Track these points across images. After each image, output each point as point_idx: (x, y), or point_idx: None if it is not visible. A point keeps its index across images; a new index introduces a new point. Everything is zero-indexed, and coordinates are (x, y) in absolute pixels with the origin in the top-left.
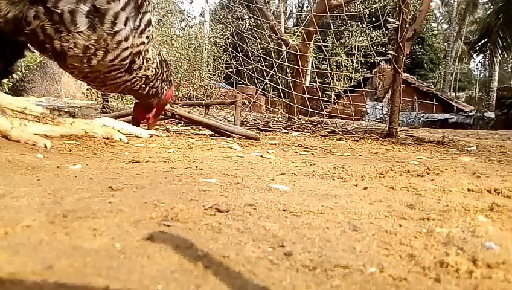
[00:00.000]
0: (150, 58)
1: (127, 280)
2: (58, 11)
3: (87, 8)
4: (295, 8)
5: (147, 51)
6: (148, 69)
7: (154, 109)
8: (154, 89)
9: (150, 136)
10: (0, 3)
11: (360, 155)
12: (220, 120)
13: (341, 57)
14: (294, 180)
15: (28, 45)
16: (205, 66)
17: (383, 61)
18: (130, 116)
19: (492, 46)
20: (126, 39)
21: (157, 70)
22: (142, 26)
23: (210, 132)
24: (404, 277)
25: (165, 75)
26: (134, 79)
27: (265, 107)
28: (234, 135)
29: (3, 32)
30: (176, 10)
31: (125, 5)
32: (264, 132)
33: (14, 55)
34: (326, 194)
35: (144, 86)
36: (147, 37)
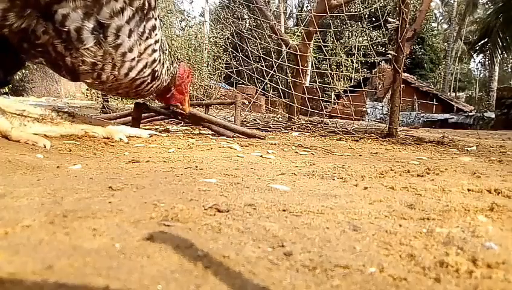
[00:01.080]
0: (166, 49)
1: (127, 280)
2: (66, 29)
3: (91, 24)
4: (295, 8)
5: (162, 40)
6: (166, 60)
7: (178, 90)
8: (171, 75)
9: (150, 136)
10: (9, 14)
11: (360, 155)
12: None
13: (341, 57)
14: (294, 180)
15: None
16: (205, 66)
17: (383, 61)
18: (130, 117)
19: (492, 46)
20: (131, 50)
21: (166, 61)
22: (147, 32)
23: (210, 132)
24: (404, 277)
25: (170, 59)
26: (162, 80)
27: (265, 107)
28: (235, 135)
29: (8, 42)
30: (176, 10)
31: (129, 18)
32: (264, 132)
33: (15, 65)
34: (326, 194)
35: (166, 78)
36: (156, 42)
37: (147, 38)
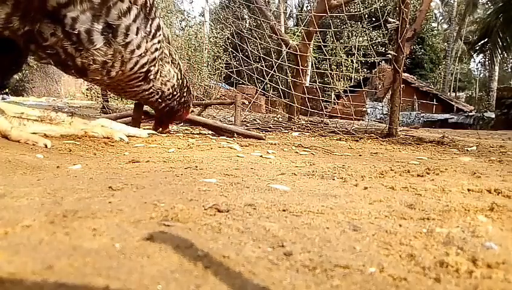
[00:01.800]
0: (165, 75)
1: (127, 280)
2: (76, 32)
3: (101, 26)
4: (295, 8)
5: (163, 66)
6: (165, 84)
7: (166, 122)
8: (169, 108)
9: (150, 136)
10: (12, 18)
11: (360, 155)
12: (220, 120)
13: (341, 57)
14: (294, 180)
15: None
16: (205, 66)
17: (383, 61)
18: (131, 117)
19: (492, 46)
20: (139, 47)
21: (175, 92)
22: (153, 32)
23: (210, 132)
24: (404, 277)
25: (183, 99)
26: (151, 90)
27: (265, 107)
28: (235, 135)
29: (6, 44)
30: (176, 10)
31: (135, 16)
32: (264, 132)
33: (13, 68)
34: (326, 194)
35: (159, 100)
36: (159, 41)
37: (153, 37)
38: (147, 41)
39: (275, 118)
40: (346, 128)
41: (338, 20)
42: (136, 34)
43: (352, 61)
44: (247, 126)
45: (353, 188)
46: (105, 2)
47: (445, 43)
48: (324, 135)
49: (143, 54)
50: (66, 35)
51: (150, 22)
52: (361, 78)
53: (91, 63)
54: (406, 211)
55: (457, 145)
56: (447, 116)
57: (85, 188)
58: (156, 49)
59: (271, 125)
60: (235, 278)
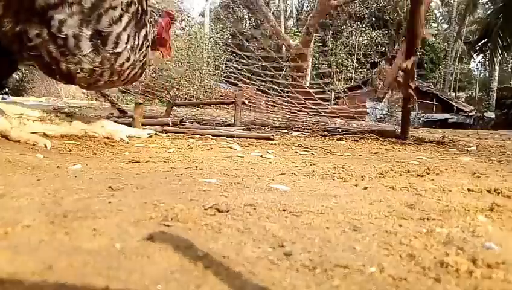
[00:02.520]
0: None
1: (127, 280)
2: (62, 35)
3: (90, 32)
4: (295, 8)
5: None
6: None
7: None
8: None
9: (150, 136)
10: (4, 20)
11: (360, 155)
12: (220, 120)
13: (341, 57)
14: (294, 180)
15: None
16: (205, 66)
17: (383, 61)
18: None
19: (492, 46)
20: (128, 59)
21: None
22: (141, 42)
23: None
24: (404, 277)
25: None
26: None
27: (265, 107)
28: (235, 135)
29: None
30: (176, 10)
31: (126, 24)
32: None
33: (9, 69)
34: (326, 194)
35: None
36: (147, 47)
37: (141, 47)
38: (135, 53)
39: (275, 118)
40: (346, 129)
41: (338, 20)
42: (126, 43)
43: (352, 61)
44: (247, 126)
45: (353, 188)
46: (96, 8)
47: (445, 43)
48: (324, 135)
49: (132, 66)
50: (52, 38)
51: (139, 33)
52: (361, 78)
53: (78, 70)
54: (406, 211)
55: (457, 145)
56: (447, 116)
57: (85, 188)
58: (145, 56)
59: (270, 125)
60: (235, 278)
